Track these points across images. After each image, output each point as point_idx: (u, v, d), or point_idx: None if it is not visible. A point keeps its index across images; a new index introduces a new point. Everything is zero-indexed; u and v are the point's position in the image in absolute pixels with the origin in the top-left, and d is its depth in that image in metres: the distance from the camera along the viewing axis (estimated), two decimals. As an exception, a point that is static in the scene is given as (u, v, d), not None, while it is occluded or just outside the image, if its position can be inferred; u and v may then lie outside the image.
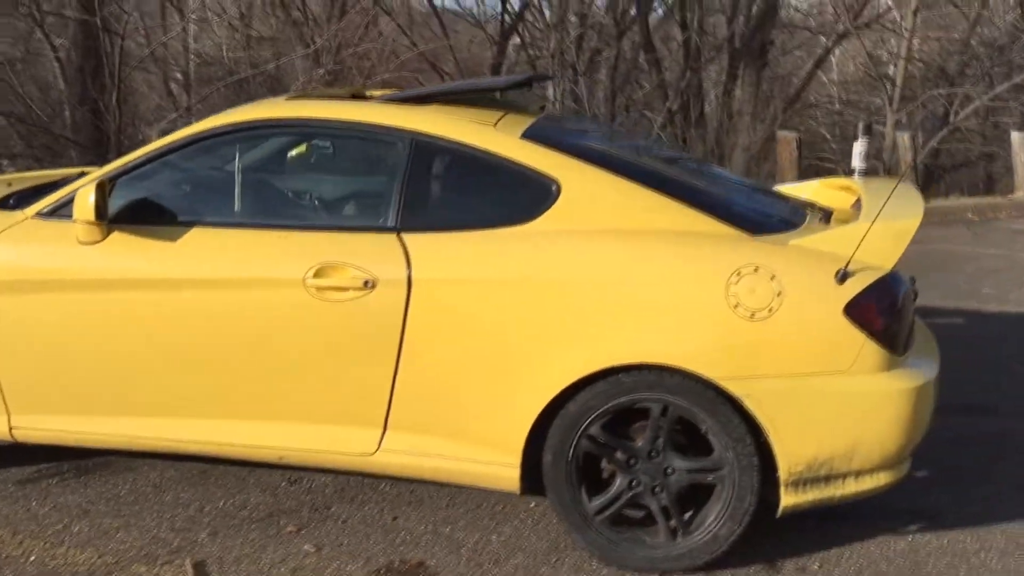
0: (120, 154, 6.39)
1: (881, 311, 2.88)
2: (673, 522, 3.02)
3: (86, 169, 4.11)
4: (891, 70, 16.61)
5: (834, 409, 2.88)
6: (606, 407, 2.96)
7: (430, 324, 3.03)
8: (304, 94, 3.79)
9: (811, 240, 3.02)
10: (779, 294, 2.86)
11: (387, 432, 3.14)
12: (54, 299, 3.23)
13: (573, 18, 13.55)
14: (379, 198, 3.21)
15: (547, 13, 13.75)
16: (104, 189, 3.14)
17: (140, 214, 3.21)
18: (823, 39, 16.62)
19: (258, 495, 3.52)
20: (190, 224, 3.19)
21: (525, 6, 14.06)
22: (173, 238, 3.16)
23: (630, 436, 3.03)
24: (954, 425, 4.00)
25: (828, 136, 17.01)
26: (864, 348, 2.86)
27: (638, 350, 2.91)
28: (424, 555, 3.14)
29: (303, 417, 3.18)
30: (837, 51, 17.52)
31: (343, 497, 3.52)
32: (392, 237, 3.08)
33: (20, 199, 3.52)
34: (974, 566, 3.11)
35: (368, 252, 3.06)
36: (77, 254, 3.20)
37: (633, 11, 13.80)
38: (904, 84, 15.62)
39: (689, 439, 3.00)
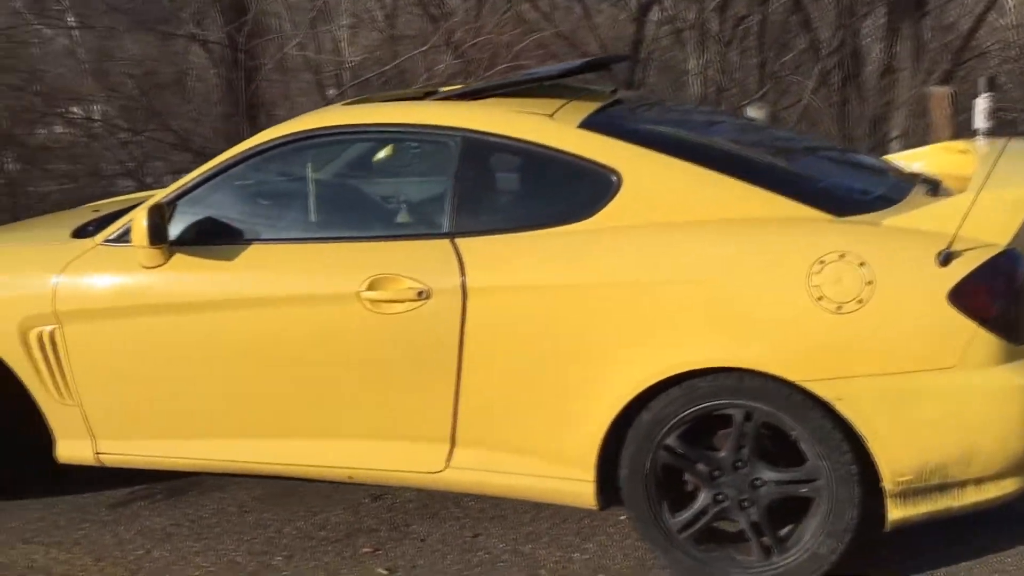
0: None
1: (994, 295, 2.50)
2: (766, 539, 2.73)
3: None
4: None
5: (942, 409, 2.52)
6: (683, 415, 2.70)
7: (488, 333, 2.84)
8: (364, 98, 3.66)
9: (910, 218, 2.66)
10: (870, 283, 2.52)
11: (455, 448, 2.98)
12: (126, 324, 3.22)
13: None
14: (431, 203, 3.05)
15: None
16: (158, 213, 3.09)
17: (198, 235, 3.16)
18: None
19: (339, 513, 3.43)
20: (247, 242, 3.11)
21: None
22: (229, 258, 3.10)
23: (714, 446, 2.77)
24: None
25: (1010, 85, 15.52)
26: (975, 339, 2.49)
27: (711, 353, 2.63)
28: (500, 577, 2.97)
29: (369, 435, 3.05)
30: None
31: (425, 513, 3.39)
32: (445, 243, 2.90)
33: (99, 226, 3.54)
34: None
35: (421, 261, 2.90)
36: (142, 279, 3.18)
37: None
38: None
39: (780, 448, 2.70)
